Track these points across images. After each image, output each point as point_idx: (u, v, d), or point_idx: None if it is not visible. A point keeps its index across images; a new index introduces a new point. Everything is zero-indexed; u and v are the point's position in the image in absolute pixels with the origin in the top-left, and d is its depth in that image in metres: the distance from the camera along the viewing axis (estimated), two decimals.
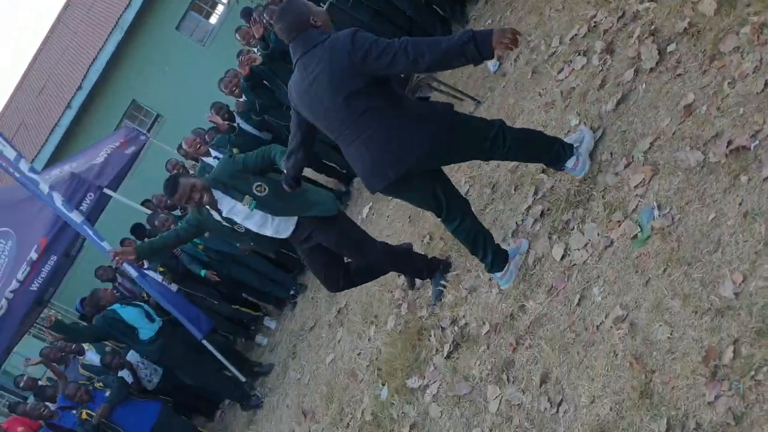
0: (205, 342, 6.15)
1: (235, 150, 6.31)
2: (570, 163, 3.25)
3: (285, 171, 3.58)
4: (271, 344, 6.93)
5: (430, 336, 3.85)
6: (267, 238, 4.04)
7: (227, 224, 3.97)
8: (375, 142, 2.97)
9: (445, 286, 3.95)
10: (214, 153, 6.62)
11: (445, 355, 3.63)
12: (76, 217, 6.24)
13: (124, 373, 6.67)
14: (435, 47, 2.78)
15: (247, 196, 3.84)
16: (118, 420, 6.02)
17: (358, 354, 4.71)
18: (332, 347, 5.28)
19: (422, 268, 4.12)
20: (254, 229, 3.93)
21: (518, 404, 2.90)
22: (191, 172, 6.96)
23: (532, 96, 4.23)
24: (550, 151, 3.22)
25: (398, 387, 3.86)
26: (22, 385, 7.62)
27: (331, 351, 5.26)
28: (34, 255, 6.74)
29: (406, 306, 4.36)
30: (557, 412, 2.65)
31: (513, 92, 4.54)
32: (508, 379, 3.05)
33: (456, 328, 3.67)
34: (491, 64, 5.06)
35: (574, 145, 3.28)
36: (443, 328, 3.79)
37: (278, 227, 3.94)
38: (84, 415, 6.07)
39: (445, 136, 3.01)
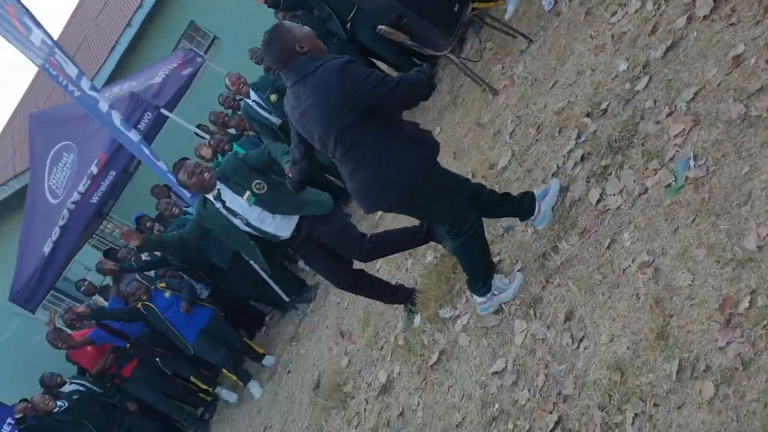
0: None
1: (273, 96, 6.44)
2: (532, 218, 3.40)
3: (289, 175, 3.67)
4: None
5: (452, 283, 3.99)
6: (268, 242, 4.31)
7: (230, 215, 4.18)
8: (368, 171, 2.95)
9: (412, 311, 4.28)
10: (253, 96, 6.78)
11: (454, 316, 3.78)
12: (133, 136, 6.49)
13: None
14: (419, 86, 2.93)
15: (247, 191, 4.15)
16: (170, 318, 6.42)
17: (396, 283, 4.89)
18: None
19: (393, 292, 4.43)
20: (255, 223, 4.19)
21: (542, 338, 3.04)
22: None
23: (584, 38, 4.20)
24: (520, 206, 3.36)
25: (431, 316, 4.05)
26: (83, 289, 8.12)
27: None
28: (94, 169, 7.07)
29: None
30: (578, 347, 2.79)
31: (565, 33, 4.50)
32: (534, 315, 3.18)
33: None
34: (545, 1, 5.00)
35: (537, 199, 3.38)
36: (459, 289, 3.93)
37: (278, 225, 4.23)
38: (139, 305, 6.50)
39: (433, 164, 3.05)
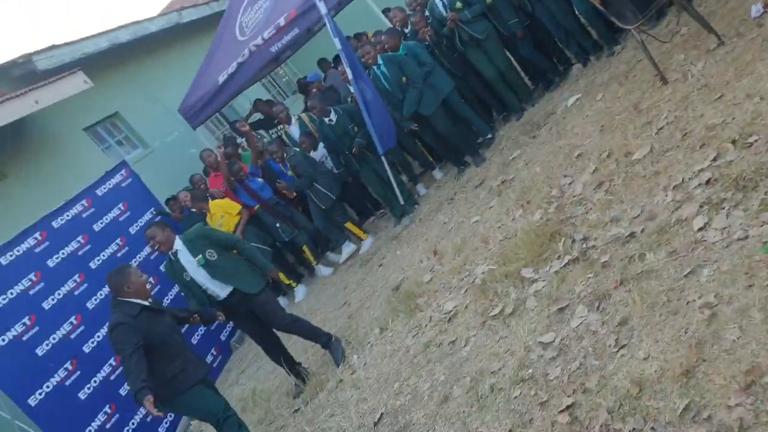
0: (384, 158, 6.81)
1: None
2: None
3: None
4: (435, 188, 7.46)
5: (560, 242, 4.16)
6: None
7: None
8: None
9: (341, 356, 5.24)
10: None
11: (563, 263, 3.96)
12: (321, 8, 6.88)
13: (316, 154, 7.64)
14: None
15: (200, 255, 5.07)
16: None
17: (499, 227, 5.13)
18: (482, 211, 5.72)
19: (322, 335, 5.38)
20: (201, 281, 5.10)
21: (593, 331, 3.23)
22: None
23: None
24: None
25: (513, 270, 4.29)
26: (238, 125, 8.93)
27: (479, 213, 5.71)
28: (282, 21, 7.58)
29: (556, 206, 4.64)
30: (617, 352, 2.97)
31: (756, 48, 4.31)
32: (597, 307, 3.36)
33: (584, 245, 3.95)
34: (754, 8, 4.75)
35: None
36: (574, 241, 4.08)
37: (217, 288, 5.13)
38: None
39: None
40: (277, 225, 7.58)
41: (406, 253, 6.32)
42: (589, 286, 3.59)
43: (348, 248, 7.58)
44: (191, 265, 5.07)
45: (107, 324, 4.35)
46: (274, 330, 5.45)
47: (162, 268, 7.51)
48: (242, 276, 5.18)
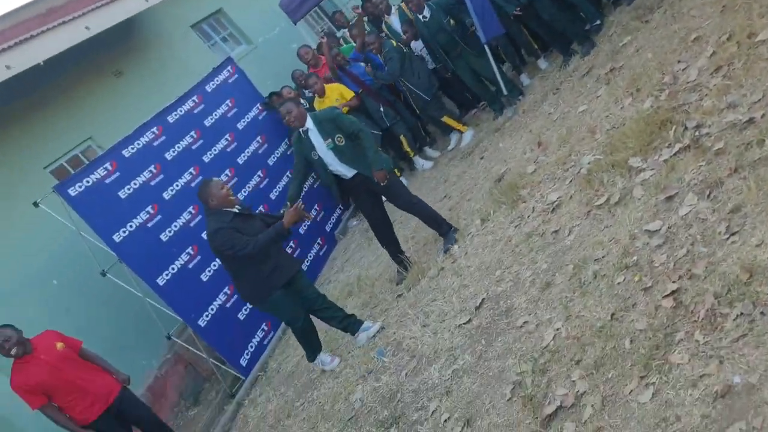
0: (486, 47, 6.65)
1: None
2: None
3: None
4: (539, 78, 7.25)
5: (671, 130, 4.02)
6: None
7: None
8: None
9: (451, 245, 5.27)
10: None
11: (674, 151, 3.85)
12: None
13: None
14: None
15: (330, 138, 5.17)
16: None
17: (607, 116, 4.99)
18: (589, 100, 5.55)
19: (443, 223, 5.43)
20: (328, 162, 5.26)
21: (702, 219, 3.17)
22: None
23: None
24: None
25: (620, 160, 4.20)
26: (335, 17, 8.90)
27: (586, 102, 5.55)
28: None
29: (668, 93, 4.45)
30: (727, 239, 2.92)
31: None
32: (708, 196, 3.28)
33: (697, 133, 3.81)
34: None
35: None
36: (686, 128, 3.94)
37: (343, 170, 5.28)
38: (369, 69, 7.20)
39: None
40: (381, 109, 7.60)
41: (509, 145, 6.27)
42: (700, 174, 3.49)
43: (453, 138, 7.59)
44: (321, 146, 5.22)
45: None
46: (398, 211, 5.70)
47: (270, 162, 7.83)
48: (360, 160, 5.24)
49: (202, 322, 6.24)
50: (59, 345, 4.99)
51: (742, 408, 2.23)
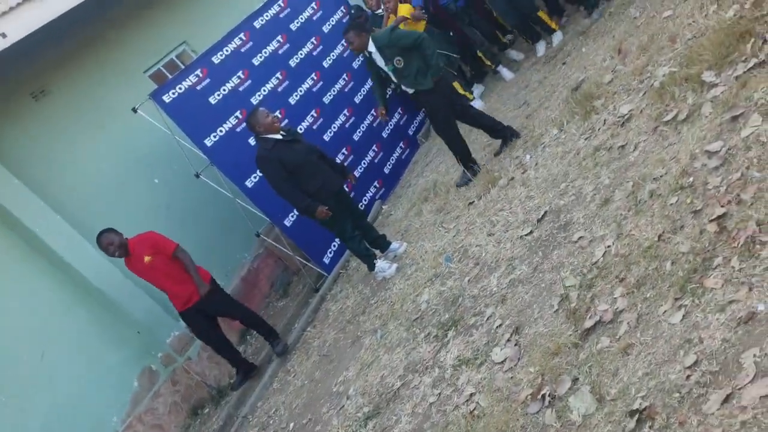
0: None
1: None
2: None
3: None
4: None
5: (750, 42, 3.86)
6: None
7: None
8: None
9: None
10: None
11: (748, 66, 3.71)
12: None
13: None
14: None
15: (390, 62, 5.55)
16: None
17: (690, 23, 4.77)
18: (676, 4, 5.28)
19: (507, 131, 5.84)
20: (394, 78, 5.72)
21: (762, 142, 3.12)
22: None
23: None
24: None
25: (695, 74, 4.08)
26: None
27: (672, 7, 5.29)
28: None
29: (750, 3, 4.21)
30: None
31: None
32: None
33: None
34: None
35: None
36: (765, 41, 3.77)
37: (406, 86, 5.68)
38: None
39: None
40: (451, 34, 7.50)
41: (591, 50, 6.12)
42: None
43: (541, 46, 7.41)
44: (384, 67, 5.68)
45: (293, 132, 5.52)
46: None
47: (355, 65, 7.95)
48: (421, 77, 5.58)
49: (287, 222, 6.67)
50: (147, 258, 5.60)
51: (760, 335, 2.32)
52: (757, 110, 3.35)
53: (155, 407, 6.23)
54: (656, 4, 5.68)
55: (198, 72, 6.65)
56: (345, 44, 7.99)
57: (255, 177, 6.53)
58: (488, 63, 7.75)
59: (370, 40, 5.58)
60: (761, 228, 2.69)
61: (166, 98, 6.32)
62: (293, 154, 5.30)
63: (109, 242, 5.51)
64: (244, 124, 6.66)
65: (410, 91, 5.74)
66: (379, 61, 5.66)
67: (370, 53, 5.67)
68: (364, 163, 7.72)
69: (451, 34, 7.51)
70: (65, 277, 6.24)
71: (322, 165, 5.48)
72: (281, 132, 5.39)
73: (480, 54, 7.69)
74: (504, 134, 5.85)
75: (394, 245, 5.83)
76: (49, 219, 6.21)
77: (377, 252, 5.83)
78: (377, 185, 7.74)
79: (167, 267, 5.64)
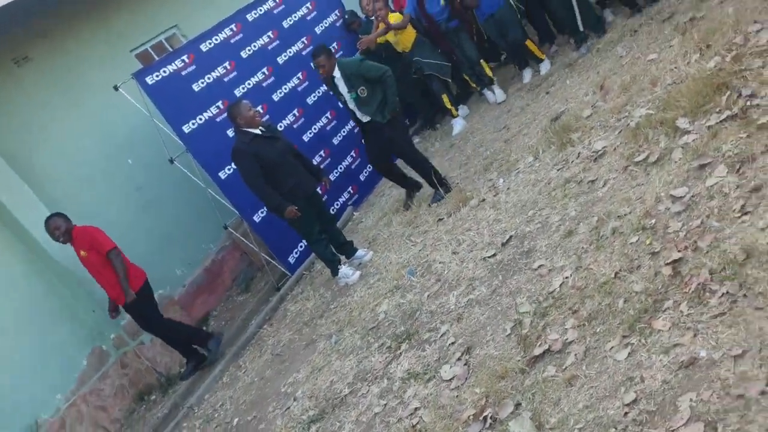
0: None
1: None
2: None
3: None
4: (623, 17, 7.01)
5: (726, 94, 3.95)
6: None
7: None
8: None
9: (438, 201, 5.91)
10: None
11: (721, 118, 3.81)
12: None
13: None
14: None
15: (353, 90, 5.74)
16: None
17: (672, 69, 4.88)
18: (662, 48, 5.41)
19: (440, 182, 5.99)
20: (351, 107, 5.91)
21: (725, 193, 3.20)
22: None
23: None
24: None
25: (670, 118, 4.17)
26: None
27: (658, 51, 5.41)
28: None
29: (734, 55, 4.32)
30: (740, 217, 2.96)
31: None
32: (737, 170, 3.28)
33: (748, 102, 3.74)
34: None
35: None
36: (740, 95, 3.86)
37: (362, 115, 5.90)
38: None
39: None
40: (438, 51, 7.55)
41: (575, 83, 6.21)
42: (737, 146, 3.46)
43: (527, 73, 7.48)
44: (346, 94, 5.87)
45: (275, 125, 5.68)
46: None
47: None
48: (381, 109, 5.86)
49: (257, 218, 6.65)
50: (82, 253, 5.63)
51: (699, 380, 2.37)
52: (724, 162, 3.43)
53: (101, 388, 6.15)
54: (642, 46, 5.79)
55: (185, 57, 6.62)
56: (337, 45, 8.06)
57: (229, 169, 6.50)
58: (474, 85, 7.81)
59: (336, 66, 5.77)
60: (713, 277, 2.75)
61: (150, 80, 6.28)
62: (270, 151, 5.31)
63: (56, 227, 5.55)
64: (224, 115, 6.63)
65: (365, 119, 5.92)
66: (342, 88, 5.83)
67: (333, 77, 5.83)
68: (341, 168, 7.73)
69: (439, 51, 7.54)
70: (26, 248, 6.16)
71: (297, 165, 5.49)
72: (261, 127, 5.41)
73: (466, 76, 7.75)
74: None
75: (360, 252, 5.85)
76: (16, 188, 6.12)
77: (342, 258, 5.84)
78: (351, 191, 7.74)
79: (100, 265, 5.64)
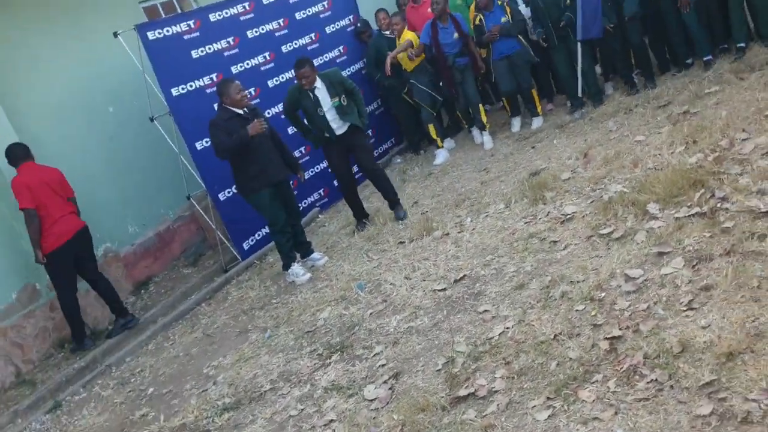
0: (579, 45, 6.65)
1: None
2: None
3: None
4: (621, 92, 7.17)
5: (700, 192, 4.06)
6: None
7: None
8: None
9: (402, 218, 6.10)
10: None
11: (690, 213, 3.91)
12: None
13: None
14: None
15: (337, 98, 5.83)
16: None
17: (655, 155, 5.00)
18: (650, 133, 5.55)
19: (394, 194, 6.26)
20: (330, 118, 5.92)
21: (676, 285, 3.28)
22: None
23: None
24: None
25: (642, 201, 4.27)
26: None
27: (646, 134, 5.56)
28: None
29: (716, 156, 4.45)
30: (684, 311, 3.04)
31: None
32: (693, 266, 3.37)
33: (718, 204, 3.85)
34: None
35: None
36: (712, 195, 3.98)
37: (339, 125, 5.95)
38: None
39: None
40: (440, 83, 7.58)
41: (561, 145, 6.33)
42: (699, 243, 3.56)
43: (517, 122, 7.56)
44: (327, 104, 5.87)
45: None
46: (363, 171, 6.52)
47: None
48: (355, 114, 6.04)
49: (222, 196, 6.59)
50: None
51: None
52: (683, 255, 3.53)
53: (24, 326, 5.99)
54: (633, 126, 5.93)
55: (191, 22, 6.57)
56: (343, 49, 8.09)
57: (206, 142, 6.43)
58: (464, 122, 7.87)
59: (318, 78, 5.85)
60: (646, 362, 2.81)
61: (151, 35, 6.21)
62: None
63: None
64: (215, 88, 6.59)
65: (341, 130, 5.98)
66: (323, 98, 5.86)
67: (314, 89, 5.86)
68: (318, 168, 7.70)
69: (441, 84, 7.55)
70: None
71: (271, 152, 5.48)
72: (245, 109, 5.42)
73: (459, 114, 7.82)
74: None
75: (315, 255, 5.83)
76: None
77: (297, 255, 5.82)
78: (322, 193, 7.72)
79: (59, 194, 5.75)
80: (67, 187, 5.82)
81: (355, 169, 6.52)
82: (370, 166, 6.23)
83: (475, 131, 7.72)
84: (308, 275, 5.60)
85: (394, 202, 6.23)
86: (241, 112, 5.39)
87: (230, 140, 5.24)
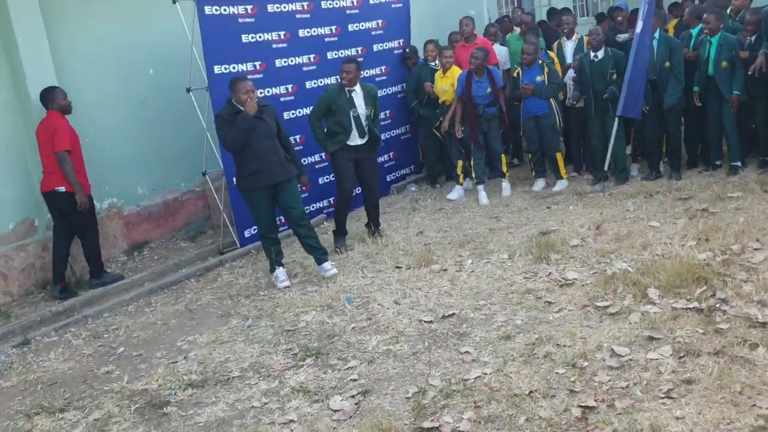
0: (616, 119, 6.76)
1: None
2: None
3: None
4: (645, 176, 7.22)
5: (701, 289, 4.10)
6: None
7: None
8: None
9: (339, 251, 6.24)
10: None
11: (688, 306, 3.93)
12: None
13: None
14: None
15: (370, 108, 6.16)
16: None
17: (666, 243, 5.04)
18: (666, 222, 5.58)
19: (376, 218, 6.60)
20: (362, 122, 6.16)
21: (659, 372, 3.29)
22: None
23: None
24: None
25: (644, 284, 4.30)
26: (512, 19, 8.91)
27: (662, 222, 5.59)
28: None
29: (725, 258, 4.48)
30: (662, 398, 3.04)
31: None
32: (680, 357, 3.39)
33: (717, 305, 3.88)
34: None
35: None
36: (713, 295, 4.01)
37: (362, 133, 6.18)
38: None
39: None
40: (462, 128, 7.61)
41: (577, 212, 6.36)
42: (690, 337, 3.58)
43: (540, 183, 7.58)
44: (361, 108, 6.14)
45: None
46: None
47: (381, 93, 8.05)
48: (378, 131, 6.44)
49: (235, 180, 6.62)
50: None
51: None
52: (672, 344, 3.54)
53: (12, 258, 6.01)
54: (651, 211, 5.97)
55: (249, 7, 6.67)
56: (385, 69, 8.18)
57: None
58: (460, 174, 7.80)
59: (359, 85, 6.12)
60: None
61: (208, 9, 6.30)
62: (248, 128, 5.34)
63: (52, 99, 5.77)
64: (256, 76, 6.67)
65: (363, 140, 6.21)
66: (359, 103, 6.11)
67: (353, 90, 6.10)
68: (332, 177, 7.74)
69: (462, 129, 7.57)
70: (18, 103, 6.07)
71: (272, 153, 5.41)
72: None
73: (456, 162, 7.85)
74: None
75: (326, 265, 5.67)
76: (39, 46, 6.07)
77: (311, 262, 5.80)
78: (332, 201, 7.76)
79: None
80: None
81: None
82: (373, 183, 6.45)
83: (480, 188, 7.56)
84: (287, 283, 5.57)
85: (376, 226, 6.54)
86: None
87: (235, 129, 5.24)
